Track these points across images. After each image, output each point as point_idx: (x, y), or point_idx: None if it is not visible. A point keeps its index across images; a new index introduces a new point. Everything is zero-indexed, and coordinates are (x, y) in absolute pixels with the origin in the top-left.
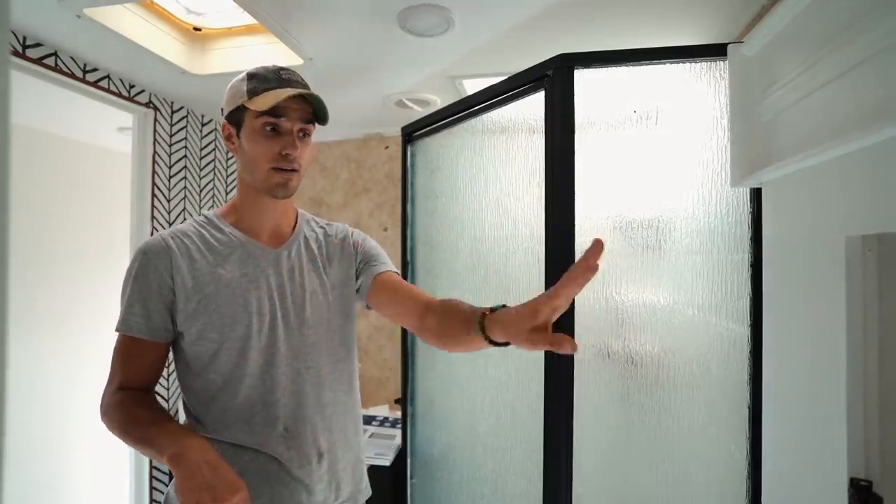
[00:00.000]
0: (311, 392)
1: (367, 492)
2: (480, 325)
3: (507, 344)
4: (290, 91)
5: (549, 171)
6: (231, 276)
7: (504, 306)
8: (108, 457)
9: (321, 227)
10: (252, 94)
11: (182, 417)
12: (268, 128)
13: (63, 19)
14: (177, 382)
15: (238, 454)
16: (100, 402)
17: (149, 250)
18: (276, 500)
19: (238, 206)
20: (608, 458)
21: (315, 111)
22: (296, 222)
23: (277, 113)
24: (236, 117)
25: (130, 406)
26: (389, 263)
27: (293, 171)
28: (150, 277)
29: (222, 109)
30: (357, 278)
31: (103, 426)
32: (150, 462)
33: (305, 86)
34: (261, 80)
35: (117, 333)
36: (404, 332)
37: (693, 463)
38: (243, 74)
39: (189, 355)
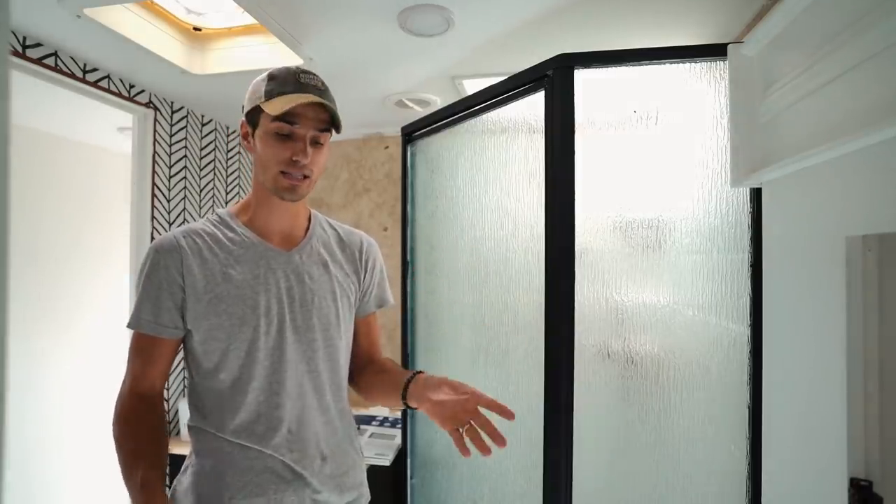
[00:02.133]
0: (315, 396)
1: (367, 495)
2: (403, 395)
3: (415, 408)
4: (304, 98)
5: (549, 171)
6: (241, 277)
7: (420, 372)
8: (105, 456)
9: (334, 229)
10: (269, 95)
11: (183, 417)
12: (281, 132)
13: (63, 19)
14: (177, 383)
15: (243, 451)
16: (115, 402)
17: (161, 248)
18: (281, 499)
19: (251, 204)
20: (608, 458)
21: (331, 118)
22: (309, 224)
23: (291, 119)
24: (253, 117)
25: (134, 435)
26: (386, 294)
27: (303, 177)
28: (160, 276)
29: (243, 107)
30: (361, 292)
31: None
32: None
33: (324, 91)
34: (279, 83)
35: (130, 330)
36: (404, 333)
37: (693, 463)
38: (264, 75)
39: (198, 354)
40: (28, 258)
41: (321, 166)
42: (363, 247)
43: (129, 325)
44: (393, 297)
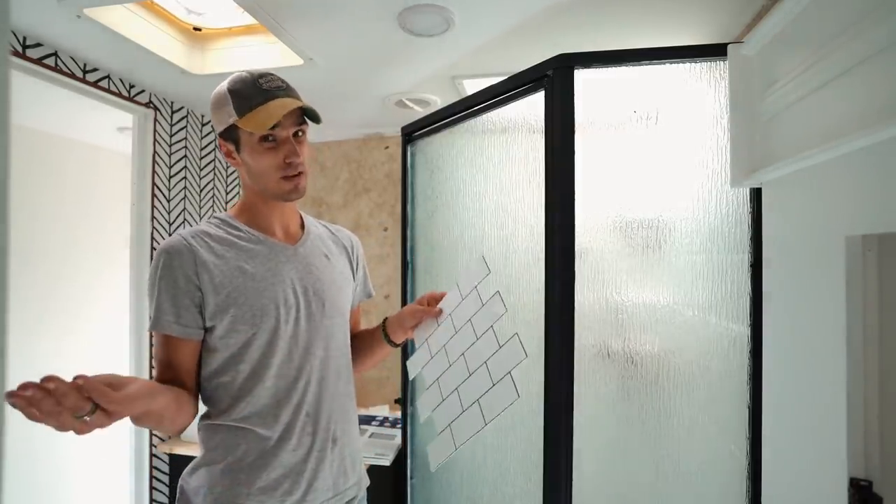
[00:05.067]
0: (330, 380)
1: (366, 479)
2: (384, 330)
3: (400, 345)
4: (283, 108)
5: (549, 171)
6: (255, 271)
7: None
8: (107, 456)
9: (324, 226)
10: (241, 112)
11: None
12: (267, 140)
13: (63, 19)
14: None
15: (260, 442)
16: None
17: (171, 250)
18: (295, 485)
19: (248, 207)
20: (608, 458)
21: (305, 112)
22: (302, 221)
23: (272, 126)
24: (232, 135)
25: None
26: (370, 286)
27: (300, 174)
28: (176, 276)
29: (213, 127)
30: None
31: (128, 432)
32: (151, 462)
33: (288, 88)
34: (244, 97)
35: (153, 333)
36: None
37: (693, 463)
38: (223, 91)
39: (218, 348)
40: (27, 258)
41: (309, 158)
42: (352, 243)
43: (151, 328)
44: (393, 296)
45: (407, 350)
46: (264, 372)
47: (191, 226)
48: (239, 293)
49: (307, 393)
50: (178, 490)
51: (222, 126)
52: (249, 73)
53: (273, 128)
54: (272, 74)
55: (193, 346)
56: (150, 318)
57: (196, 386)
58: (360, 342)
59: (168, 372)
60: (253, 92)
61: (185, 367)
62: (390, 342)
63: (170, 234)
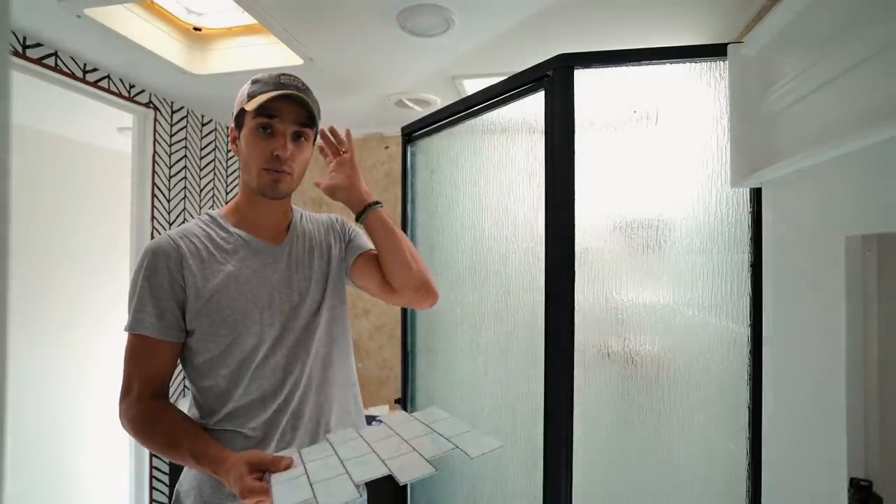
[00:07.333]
0: (317, 375)
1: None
2: (359, 216)
3: (374, 205)
4: (279, 91)
5: (549, 171)
6: (239, 273)
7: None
8: (107, 457)
9: (310, 217)
10: (251, 97)
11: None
12: (262, 129)
13: (63, 19)
14: (176, 383)
15: (246, 444)
16: (119, 411)
17: (159, 250)
18: None
19: (240, 206)
20: (608, 458)
21: (310, 115)
22: (290, 218)
23: (270, 113)
24: (239, 120)
25: (164, 429)
26: (363, 241)
27: (283, 172)
28: (161, 277)
29: (233, 114)
30: (344, 253)
31: (124, 432)
32: (150, 462)
33: (304, 90)
34: (261, 85)
35: (128, 334)
36: (404, 332)
37: (693, 463)
38: (249, 82)
39: (199, 351)
40: (27, 258)
41: (302, 164)
42: (331, 218)
43: (129, 329)
44: None
45: (407, 347)
46: (246, 375)
47: None
48: (221, 297)
49: (295, 392)
50: (174, 494)
51: (236, 111)
52: (277, 72)
53: (272, 117)
54: (297, 77)
55: (173, 350)
56: (130, 317)
57: (168, 392)
58: (379, 258)
59: (148, 375)
60: (269, 82)
61: (165, 372)
62: (359, 218)
63: None
